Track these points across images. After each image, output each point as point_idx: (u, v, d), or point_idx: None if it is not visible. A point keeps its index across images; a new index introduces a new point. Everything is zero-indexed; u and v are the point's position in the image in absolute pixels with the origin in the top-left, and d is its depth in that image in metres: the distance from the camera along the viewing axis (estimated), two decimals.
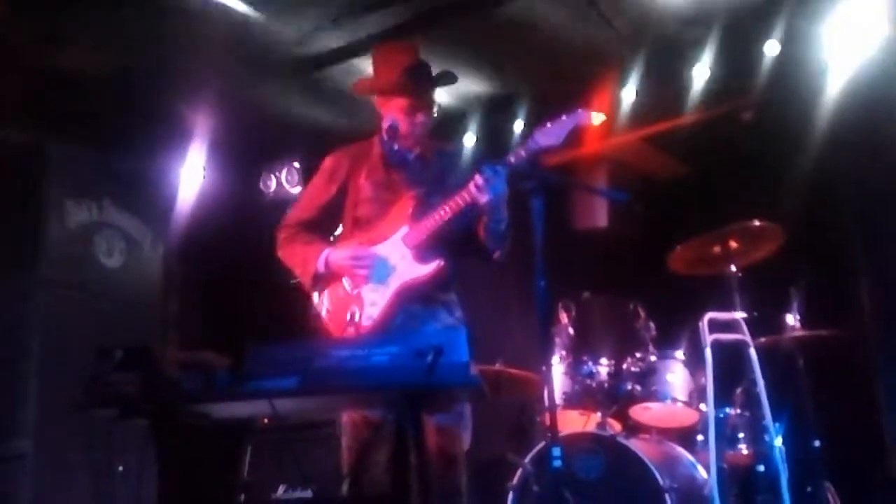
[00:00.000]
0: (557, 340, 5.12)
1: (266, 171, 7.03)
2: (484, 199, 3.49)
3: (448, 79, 3.88)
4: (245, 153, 6.85)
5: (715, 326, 4.58)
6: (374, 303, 3.61)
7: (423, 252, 3.63)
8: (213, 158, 6.69)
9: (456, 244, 3.73)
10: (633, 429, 5.05)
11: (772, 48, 5.52)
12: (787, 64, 5.57)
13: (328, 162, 3.96)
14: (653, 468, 4.43)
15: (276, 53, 5.70)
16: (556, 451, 3.13)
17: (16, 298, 5.44)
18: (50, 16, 5.19)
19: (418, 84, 3.76)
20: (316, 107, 6.25)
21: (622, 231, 6.68)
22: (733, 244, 4.82)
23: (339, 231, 3.92)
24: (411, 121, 3.75)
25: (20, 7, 5.06)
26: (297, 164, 6.84)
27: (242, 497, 5.24)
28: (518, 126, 6.27)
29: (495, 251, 3.75)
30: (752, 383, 4.61)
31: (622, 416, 5.07)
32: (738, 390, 4.89)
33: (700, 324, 4.57)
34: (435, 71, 3.84)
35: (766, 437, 4.61)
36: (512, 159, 3.51)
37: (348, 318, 3.57)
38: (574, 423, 5.02)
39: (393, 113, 3.77)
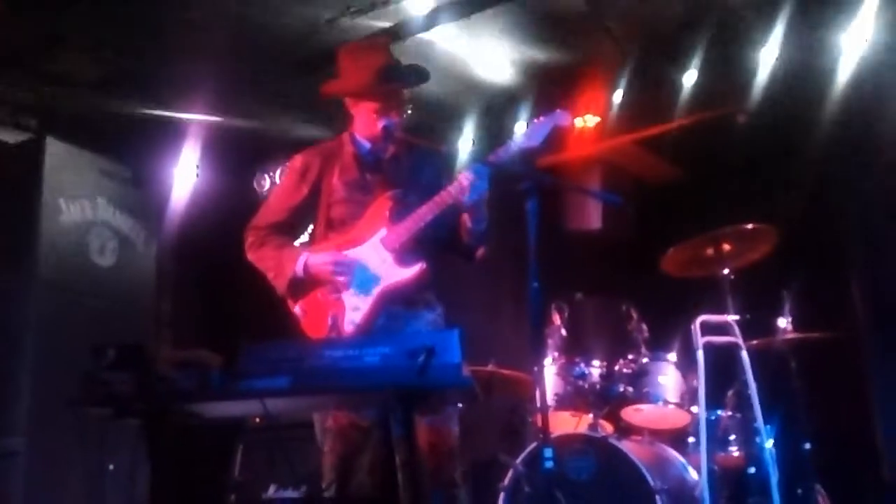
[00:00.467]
0: (550, 341, 5.12)
1: (259, 171, 7.02)
2: (466, 199, 3.49)
3: (419, 77, 3.84)
4: (239, 152, 6.85)
5: (707, 328, 4.58)
6: (356, 308, 3.56)
7: (404, 254, 3.59)
8: (206, 157, 6.69)
9: (436, 244, 3.71)
10: (625, 430, 5.06)
11: (765, 52, 5.53)
12: (781, 67, 5.58)
13: (298, 162, 3.87)
14: (644, 470, 4.44)
15: (271, 52, 5.70)
16: (548, 452, 3.14)
17: (9, 297, 5.43)
18: (47, 16, 5.18)
19: (390, 86, 3.69)
20: (310, 108, 6.26)
21: (615, 233, 6.70)
22: (726, 246, 4.83)
23: (310, 232, 3.87)
24: (384, 121, 3.68)
25: (18, 7, 5.06)
26: None
27: (233, 496, 5.24)
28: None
29: (476, 250, 3.75)
30: (744, 385, 4.62)
31: (614, 418, 5.07)
32: (730, 392, 4.90)
33: (692, 326, 4.57)
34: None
35: (758, 440, 4.62)
36: (493, 159, 3.51)
37: (330, 322, 3.53)
38: (566, 424, 5.02)
39: (365, 114, 3.72)
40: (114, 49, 5.56)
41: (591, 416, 4.93)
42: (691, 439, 4.95)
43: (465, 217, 3.62)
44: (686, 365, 4.96)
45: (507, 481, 4.75)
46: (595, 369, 5.01)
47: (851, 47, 5.37)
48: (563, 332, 5.16)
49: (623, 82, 5.94)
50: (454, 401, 3.57)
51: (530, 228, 3.27)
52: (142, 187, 6.25)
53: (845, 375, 5.49)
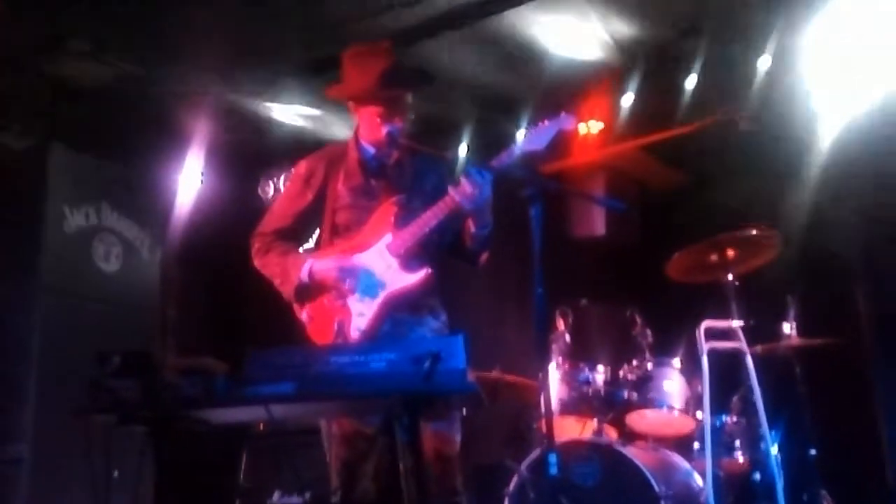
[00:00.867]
0: (554, 347, 5.12)
1: (264, 177, 7.03)
2: (469, 205, 3.47)
3: (424, 80, 3.83)
4: (243, 158, 6.86)
5: (711, 334, 4.59)
6: (361, 314, 3.55)
7: (409, 260, 3.58)
8: (211, 163, 6.70)
9: (440, 250, 3.71)
10: (630, 436, 5.06)
11: (768, 59, 5.53)
12: (785, 73, 5.59)
13: (302, 168, 3.85)
14: (649, 476, 4.44)
15: (277, 57, 5.71)
16: (553, 458, 3.14)
17: (14, 304, 5.43)
18: (48, 18, 5.19)
19: (393, 90, 3.67)
20: (315, 111, 6.27)
21: (620, 239, 6.70)
22: (730, 252, 4.83)
23: (315, 237, 3.86)
24: (388, 126, 3.66)
25: (20, 11, 5.06)
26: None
27: (238, 502, 5.24)
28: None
29: (480, 255, 3.74)
30: (749, 391, 4.62)
31: (619, 424, 5.08)
32: (735, 398, 4.91)
33: (697, 331, 4.58)
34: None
35: (763, 445, 4.63)
36: (497, 164, 3.50)
37: (336, 328, 3.52)
38: (571, 430, 5.02)
39: (369, 119, 3.70)
40: (117, 52, 5.56)
41: (595, 421, 4.94)
42: (696, 445, 4.95)
43: (470, 222, 3.62)
44: (690, 370, 4.96)
45: (512, 487, 4.75)
46: (600, 375, 5.02)
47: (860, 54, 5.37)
48: (568, 337, 5.17)
49: (627, 88, 5.94)
50: (459, 406, 3.57)
51: (534, 234, 3.26)
52: (146, 193, 6.26)
53: (850, 380, 5.49)
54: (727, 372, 4.73)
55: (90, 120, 5.95)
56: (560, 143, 3.64)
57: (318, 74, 5.65)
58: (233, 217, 6.69)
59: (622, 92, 5.96)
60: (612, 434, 5.02)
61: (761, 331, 4.88)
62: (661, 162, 6.70)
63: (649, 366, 5.00)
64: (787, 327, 4.98)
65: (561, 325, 5.19)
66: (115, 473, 4.35)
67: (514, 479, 4.75)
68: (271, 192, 6.96)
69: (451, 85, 5.77)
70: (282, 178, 6.88)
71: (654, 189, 6.89)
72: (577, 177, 6.63)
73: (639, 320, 5.13)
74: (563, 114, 3.57)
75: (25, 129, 5.95)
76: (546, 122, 3.54)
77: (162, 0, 5.01)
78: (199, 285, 7.05)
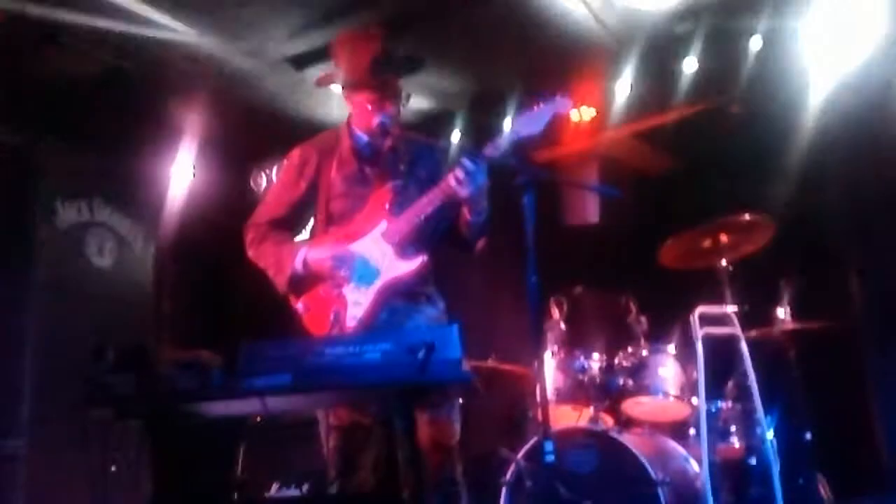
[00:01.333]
0: (549, 335, 5.13)
1: (256, 169, 7.01)
2: (465, 192, 3.46)
3: (414, 65, 3.79)
4: (235, 150, 6.84)
5: (706, 320, 4.59)
6: (357, 302, 3.52)
7: (405, 247, 3.56)
8: (203, 156, 6.68)
9: (436, 237, 3.69)
10: (626, 423, 5.07)
11: (759, 42, 5.53)
12: (777, 57, 5.58)
13: (295, 156, 3.83)
14: (645, 462, 4.45)
15: (265, 50, 5.69)
16: (549, 446, 3.14)
17: (8, 300, 5.42)
18: (42, 16, 5.17)
19: (385, 76, 3.64)
20: (305, 103, 6.25)
21: (613, 226, 6.69)
22: (723, 238, 4.84)
23: (310, 226, 3.84)
24: (381, 113, 3.64)
25: (12, 5, 5.04)
26: None
27: (236, 495, 5.24)
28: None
29: (476, 242, 3.73)
30: (744, 376, 4.63)
31: (615, 411, 5.09)
32: (730, 384, 4.92)
33: (691, 317, 4.58)
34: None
35: (758, 430, 4.64)
36: (491, 150, 3.48)
37: (332, 318, 3.50)
38: (567, 417, 5.03)
39: (361, 106, 3.68)
40: (108, 48, 5.54)
41: (591, 409, 4.95)
42: (692, 431, 4.97)
43: (465, 209, 3.60)
44: (685, 357, 4.97)
45: (508, 476, 4.76)
46: (595, 363, 5.03)
47: (848, 36, 5.37)
48: (563, 325, 5.18)
49: (618, 74, 5.93)
50: (455, 396, 3.57)
51: (528, 223, 3.26)
52: (138, 187, 6.25)
53: (844, 364, 5.50)
54: (722, 357, 4.73)
55: (81, 115, 5.92)
56: (553, 129, 3.61)
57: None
58: (226, 209, 6.69)
59: (614, 78, 5.95)
60: (608, 421, 5.03)
61: (755, 316, 4.89)
62: (654, 148, 6.69)
63: (644, 352, 5.02)
64: (782, 312, 4.99)
65: (556, 313, 5.20)
66: (113, 468, 4.36)
67: (511, 468, 4.76)
68: (264, 183, 6.94)
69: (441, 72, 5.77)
70: (274, 168, 6.87)
71: (647, 176, 6.89)
72: (570, 164, 6.62)
73: (633, 307, 5.14)
74: (557, 97, 3.56)
75: (16, 125, 5.93)
76: (542, 105, 3.52)
77: None
78: (193, 279, 7.03)
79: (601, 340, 5.13)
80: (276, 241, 3.74)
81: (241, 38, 5.50)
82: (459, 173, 3.44)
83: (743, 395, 4.76)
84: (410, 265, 3.55)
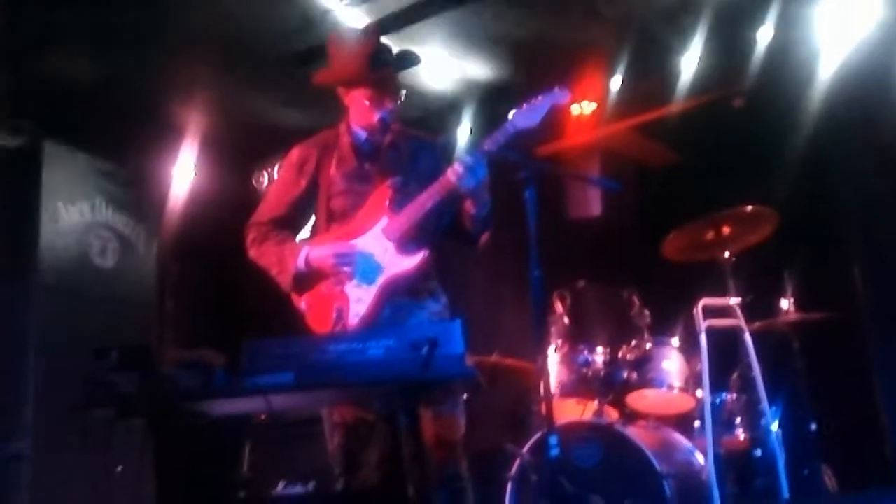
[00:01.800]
0: (553, 330, 5.12)
1: (258, 168, 7.02)
2: (465, 186, 3.45)
3: (410, 60, 3.79)
4: (237, 150, 6.85)
5: (709, 312, 4.59)
6: (360, 299, 3.52)
7: (406, 243, 3.56)
8: (204, 156, 6.68)
9: (439, 232, 3.69)
10: (630, 416, 5.06)
11: (763, 33, 5.52)
12: (778, 48, 5.57)
13: (295, 155, 3.83)
14: (650, 455, 4.44)
15: (266, 49, 5.69)
16: (554, 441, 3.14)
17: (11, 301, 5.44)
18: (43, 17, 5.17)
19: (381, 72, 3.63)
20: (306, 103, 6.25)
21: (616, 219, 6.70)
22: (726, 230, 4.83)
23: (311, 224, 3.84)
24: (380, 109, 3.64)
25: (13, 8, 5.05)
26: None
27: (243, 494, 5.25)
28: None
29: (480, 236, 3.72)
30: (748, 368, 4.63)
31: (619, 404, 5.08)
32: (734, 375, 4.91)
33: (694, 310, 4.58)
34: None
35: (763, 422, 4.63)
36: (490, 143, 3.47)
37: (335, 316, 3.49)
38: (571, 411, 5.03)
39: (358, 102, 3.67)
40: (109, 49, 5.54)
41: (596, 403, 4.94)
42: (697, 423, 4.96)
43: (468, 203, 3.60)
44: (689, 349, 4.96)
45: (513, 471, 4.76)
46: (599, 356, 5.01)
47: (850, 27, 5.35)
48: (566, 320, 5.16)
49: (620, 67, 5.92)
50: (459, 391, 3.57)
51: (531, 217, 3.27)
52: (140, 188, 6.25)
53: (848, 355, 5.49)
54: (726, 349, 4.73)
55: (83, 116, 5.93)
56: (553, 121, 3.60)
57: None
58: (227, 209, 6.69)
59: (615, 71, 5.94)
60: (612, 415, 5.02)
61: (759, 307, 4.88)
62: (656, 141, 6.69)
63: (648, 345, 5.01)
64: (785, 303, 4.97)
65: (559, 307, 5.18)
66: (118, 468, 4.37)
67: (516, 463, 4.75)
68: (265, 181, 6.94)
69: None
70: (275, 167, 6.87)
71: (649, 169, 6.88)
72: (572, 158, 6.61)
73: (637, 300, 5.13)
74: (556, 89, 3.56)
75: (18, 127, 5.93)
76: (539, 98, 3.53)
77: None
78: (195, 278, 7.05)
79: (605, 334, 5.12)
80: (277, 240, 3.74)
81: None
82: (458, 167, 3.44)
83: (747, 386, 4.75)
84: (412, 261, 3.55)
